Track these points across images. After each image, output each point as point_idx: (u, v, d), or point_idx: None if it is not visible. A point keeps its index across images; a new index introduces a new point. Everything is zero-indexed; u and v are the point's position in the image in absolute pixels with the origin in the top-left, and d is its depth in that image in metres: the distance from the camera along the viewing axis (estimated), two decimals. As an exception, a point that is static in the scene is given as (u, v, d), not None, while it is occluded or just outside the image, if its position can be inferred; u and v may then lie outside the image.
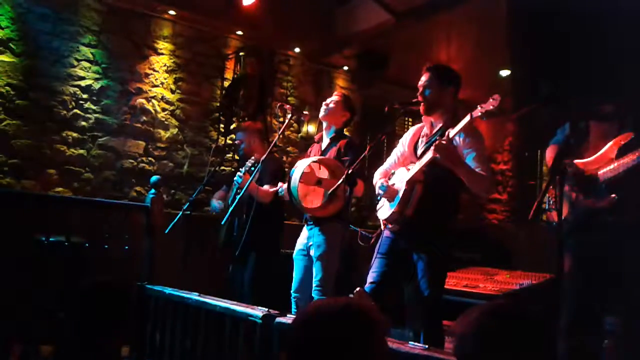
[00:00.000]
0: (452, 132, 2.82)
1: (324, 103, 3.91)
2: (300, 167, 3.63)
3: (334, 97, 3.91)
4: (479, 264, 4.99)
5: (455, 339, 1.34)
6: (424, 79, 3.09)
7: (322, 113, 3.89)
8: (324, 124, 3.94)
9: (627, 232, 2.57)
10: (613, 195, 2.57)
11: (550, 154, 3.00)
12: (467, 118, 2.76)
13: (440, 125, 3.05)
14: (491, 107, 2.70)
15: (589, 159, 2.73)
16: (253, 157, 4.17)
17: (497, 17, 4.90)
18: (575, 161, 2.76)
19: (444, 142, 2.76)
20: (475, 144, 2.91)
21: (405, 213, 2.96)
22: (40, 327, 3.40)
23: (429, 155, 2.83)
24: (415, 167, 2.95)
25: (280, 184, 4.01)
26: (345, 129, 3.95)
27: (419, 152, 3.09)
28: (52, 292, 3.50)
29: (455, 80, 3.11)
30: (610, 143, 2.66)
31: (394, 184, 3.08)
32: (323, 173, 3.67)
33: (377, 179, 3.24)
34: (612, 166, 2.60)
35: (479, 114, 2.73)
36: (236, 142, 4.66)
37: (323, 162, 3.70)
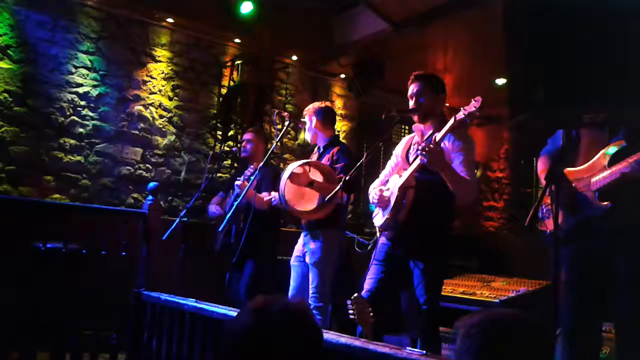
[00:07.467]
0: (438, 136, 2.86)
1: (308, 135, 3.97)
2: (290, 168, 3.63)
3: (308, 122, 3.95)
4: (475, 271, 5.01)
5: (461, 334, 1.34)
6: (415, 87, 3.12)
7: (311, 141, 3.97)
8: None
9: (620, 237, 2.59)
10: (606, 203, 2.58)
11: (541, 164, 3.02)
12: (451, 121, 2.82)
13: (431, 131, 3.08)
14: (473, 108, 2.75)
15: (580, 168, 2.74)
16: (252, 166, 4.19)
17: (493, 26, 4.94)
18: (566, 170, 2.77)
19: (431, 145, 2.79)
20: (463, 149, 2.94)
21: (398, 219, 2.99)
22: (37, 334, 3.39)
23: (418, 160, 2.86)
24: (406, 173, 2.98)
25: (274, 193, 4.03)
26: (340, 137, 3.99)
27: (411, 159, 3.11)
28: (49, 299, 3.49)
29: (444, 88, 3.17)
30: (602, 151, 2.67)
31: (386, 191, 3.10)
32: (315, 175, 3.67)
33: (372, 188, 3.26)
34: (604, 174, 2.61)
35: (462, 116, 2.77)
36: (243, 142, 4.66)
37: (313, 165, 3.70)
